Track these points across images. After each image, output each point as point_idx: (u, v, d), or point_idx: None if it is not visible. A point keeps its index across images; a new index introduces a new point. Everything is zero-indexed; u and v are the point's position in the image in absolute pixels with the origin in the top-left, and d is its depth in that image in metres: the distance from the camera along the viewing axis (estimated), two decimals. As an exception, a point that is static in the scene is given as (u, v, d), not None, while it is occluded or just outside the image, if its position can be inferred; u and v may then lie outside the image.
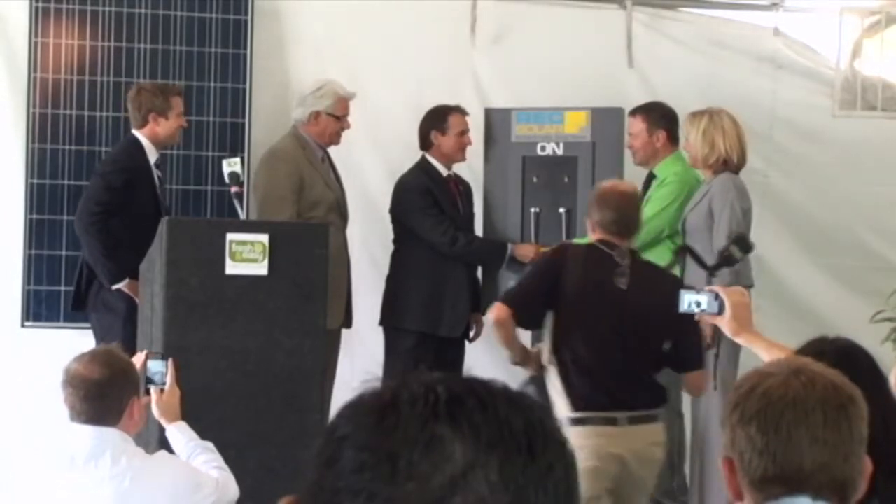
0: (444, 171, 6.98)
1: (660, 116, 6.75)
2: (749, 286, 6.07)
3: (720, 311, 3.68)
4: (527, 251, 6.81)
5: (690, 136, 6.40)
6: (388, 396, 1.22)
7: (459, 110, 6.99)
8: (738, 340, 3.79)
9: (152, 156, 6.53)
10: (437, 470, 1.17)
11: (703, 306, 3.73)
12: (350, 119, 6.89)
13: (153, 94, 6.57)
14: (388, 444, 1.19)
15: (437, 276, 6.83)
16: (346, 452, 1.21)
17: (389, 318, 6.87)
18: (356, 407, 1.24)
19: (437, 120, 6.97)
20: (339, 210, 6.78)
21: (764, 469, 2.21)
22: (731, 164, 6.36)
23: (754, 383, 2.27)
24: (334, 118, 6.78)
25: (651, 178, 6.80)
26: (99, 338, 6.47)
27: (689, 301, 3.78)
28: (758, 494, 2.22)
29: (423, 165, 6.97)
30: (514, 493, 1.18)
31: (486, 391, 1.22)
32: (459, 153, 6.99)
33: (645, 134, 6.77)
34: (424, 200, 6.85)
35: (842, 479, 2.21)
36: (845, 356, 2.89)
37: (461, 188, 7.06)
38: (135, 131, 6.57)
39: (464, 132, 6.97)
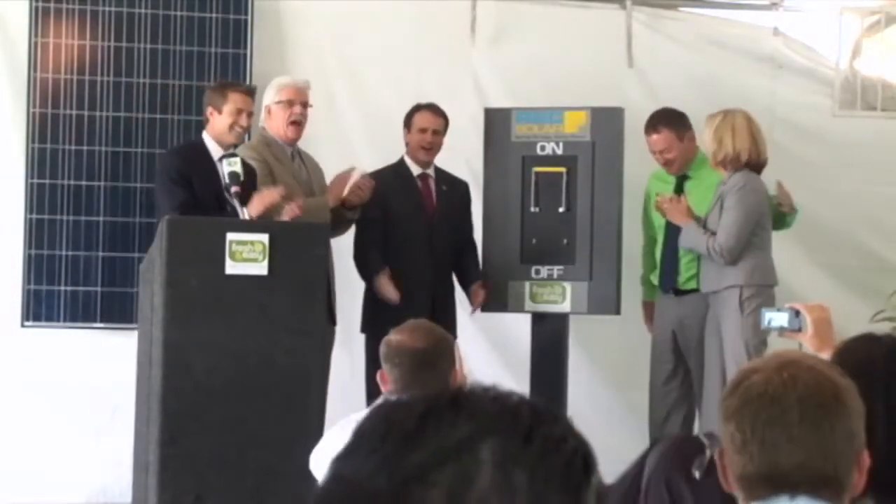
0: (415, 170, 6.87)
1: (679, 120, 6.76)
2: (773, 285, 6.20)
3: (802, 328, 3.65)
4: (385, 289, 6.64)
5: (705, 136, 6.42)
6: (420, 408, 1.20)
7: (430, 108, 6.85)
8: (822, 356, 3.76)
9: (216, 153, 6.19)
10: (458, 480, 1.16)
11: (785, 323, 3.69)
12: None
13: (213, 90, 6.42)
14: (401, 451, 1.18)
15: (397, 278, 6.67)
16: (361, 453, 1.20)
17: (363, 324, 6.80)
18: (380, 408, 1.24)
19: (407, 117, 6.89)
20: None
21: (743, 467, 2.19)
22: (741, 163, 6.37)
23: (739, 379, 2.24)
24: (282, 105, 6.55)
25: (684, 178, 6.82)
26: None
27: (769, 318, 3.74)
28: (743, 492, 2.22)
29: (397, 163, 6.89)
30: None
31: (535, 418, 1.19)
32: (419, 151, 6.84)
33: (677, 142, 6.74)
34: (370, 201, 6.66)
35: (823, 477, 2.17)
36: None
37: (444, 188, 6.91)
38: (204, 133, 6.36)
39: (423, 130, 6.81)
